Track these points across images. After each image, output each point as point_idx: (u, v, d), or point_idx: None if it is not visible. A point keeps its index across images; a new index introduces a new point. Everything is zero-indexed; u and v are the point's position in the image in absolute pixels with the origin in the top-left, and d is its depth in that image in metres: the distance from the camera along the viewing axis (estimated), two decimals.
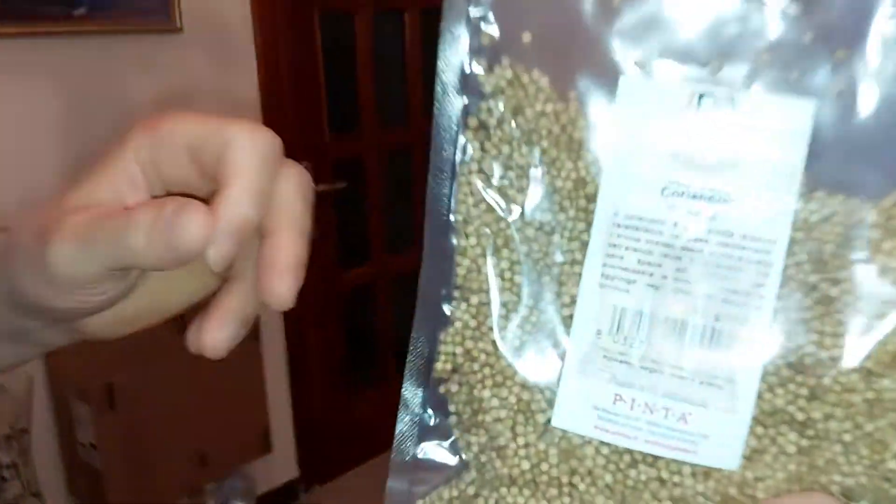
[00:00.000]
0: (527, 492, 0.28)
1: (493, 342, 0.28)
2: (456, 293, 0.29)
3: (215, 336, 0.29)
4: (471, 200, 0.29)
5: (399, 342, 2.29)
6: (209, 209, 0.26)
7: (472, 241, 0.29)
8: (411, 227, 2.27)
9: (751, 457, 0.26)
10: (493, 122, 0.28)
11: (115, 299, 0.30)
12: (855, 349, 0.25)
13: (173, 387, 1.65)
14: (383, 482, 0.31)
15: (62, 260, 0.27)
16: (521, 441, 0.28)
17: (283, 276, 0.28)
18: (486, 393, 0.28)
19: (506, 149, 0.28)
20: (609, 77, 0.27)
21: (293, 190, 0.29)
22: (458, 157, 0.29)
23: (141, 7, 1.49)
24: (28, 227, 0.29)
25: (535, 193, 0.28)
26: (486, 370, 0.28)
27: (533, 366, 0.28)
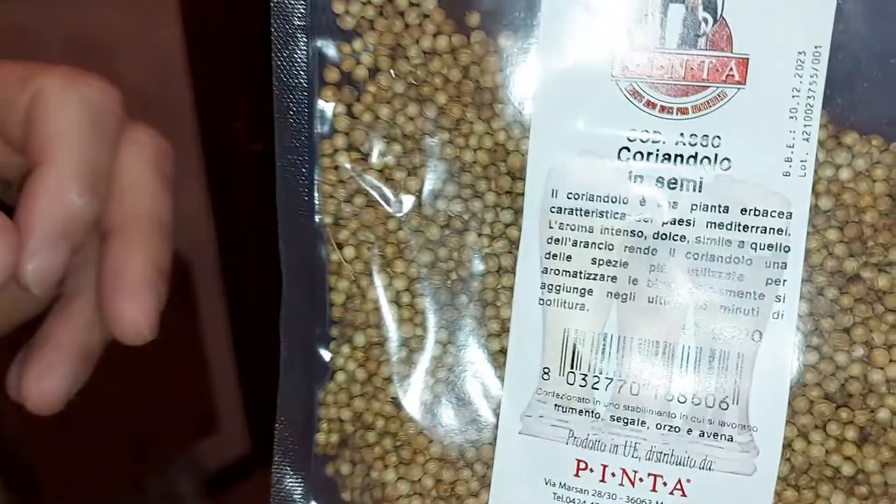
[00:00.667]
0: None
1: (394, 399, 0.19)
2: (334, 331, 0.20)
3: (42, 384, 0.20)
4: (341, 192, 0.20)
5: None
6: (8, 221, 0.18)
7: (349, 252, 0.20)
8: None
9: None
10: (361, 72, 0.19)
11: None
12: None
13: (104, 369, 1.54)
14: None
15: None
16: None
17: (133, 295, 0.19)
18: (390, 475, 0.19)
19: (385, 111, 0.19)
20: None
21: (143, 164, 0.20)
22: (317, 128, 0.20)
23: None
24: None
25: (435, 174, 0.19)
26: (388, 442, 0.19)
27: (454, 429, 0.19)
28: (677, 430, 0.18)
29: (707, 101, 0.17)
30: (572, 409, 0.18)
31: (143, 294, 0.19)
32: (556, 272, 0.18)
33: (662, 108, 0.18)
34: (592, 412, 0.18)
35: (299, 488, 0.21)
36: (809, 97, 0.17)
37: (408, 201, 0.19)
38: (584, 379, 0.18)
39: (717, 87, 0.17)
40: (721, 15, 0.17)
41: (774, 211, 0.17)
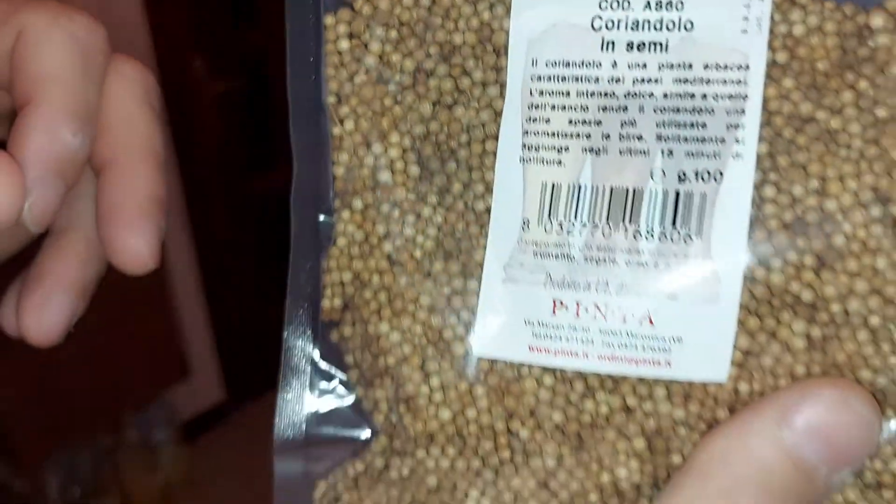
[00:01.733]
0: (452, 450, 0.20)
1: (388, 256, 0.21)
2: (336, 202, 0.22)
3: (42, 317, 0.21)
4: (344, 73, 0.22)
5: None
6: (10, 158, 0.18)
7: (350, 125, 0.22)
8: None
9: (744, 362, 0.18)
10: None
11: None
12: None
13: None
14: None
15: None
16: (434, 382, 0.20)
17: (133, 225, 0.20)
18: (384, 326, 0.21)
19: (383, 3, 0.21)
20: None
21: (132, 96, 0.21)
22: (323, 17, 0.22)
23: None
24: None
25: (430, 57, 0.21)
26: (382, 296, 0.21)
27: (443, 281, 0.21)
28: (645, 265, 0.19)
29: None
30: (549, 254, 0.20)
31: (144, 224, 0.20)
32: (536, 133, 0.20)
33: None
34: (567, 255, 0.19)
35: (306, 354, 0.22)
36: None
37: (404, 81, 0.21)
38: (560, 226, 0.20)
39: None
40: None
41: (734, 65, 0.19)
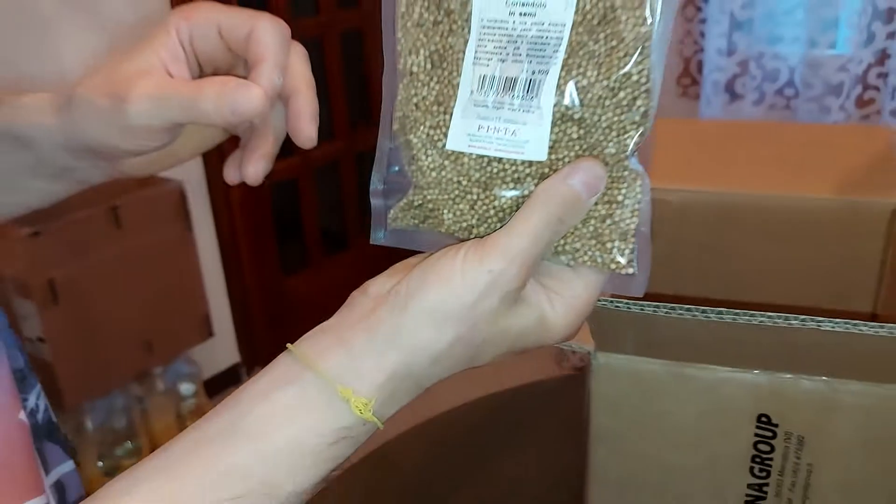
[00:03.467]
0: (436, 190, 0.47)
1: (415, 104, 0.48)
2: (398, 79, 0.49)
3: (257, 167, 0.45)
4: (404, 19, 0.48)
5: (324, 228, 2.59)
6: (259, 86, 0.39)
7: (403, 44, 0.48)
8: (330, 119, 2.44)
9: (553, 147, 0.44)
10: None
11: (164, 145, 0.41)
12: (609, 74, 0.42)
13: (113, 279, 1.74)
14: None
15: (142, 113, 0.38)
16: (429, 159, 0.47)
17: (311, 122, 0.44)
18: (411, 135, 0.48)
19: None
20: None
21: (302, 60, 0.44)
22: None
23: None
24: (90, 87, 0.39)
25: (440, 14, 0.47)
26: (411, 122, 0.48)
27: (436, 115, 0.47)
28: (516, 110, 0.44)
29: None
30: (480, 105, 0.45)
31: (314, 121, 0.43)
32: (480, 51, 0.45)
33: None
34: (486, 105, 0.45)
35: (386, 150, 0.49)
36: None
37: (429, 24, 0.47)
38: (484, 94, 0.45)
39: None
40: None
41: (559, 22, 0.43)
